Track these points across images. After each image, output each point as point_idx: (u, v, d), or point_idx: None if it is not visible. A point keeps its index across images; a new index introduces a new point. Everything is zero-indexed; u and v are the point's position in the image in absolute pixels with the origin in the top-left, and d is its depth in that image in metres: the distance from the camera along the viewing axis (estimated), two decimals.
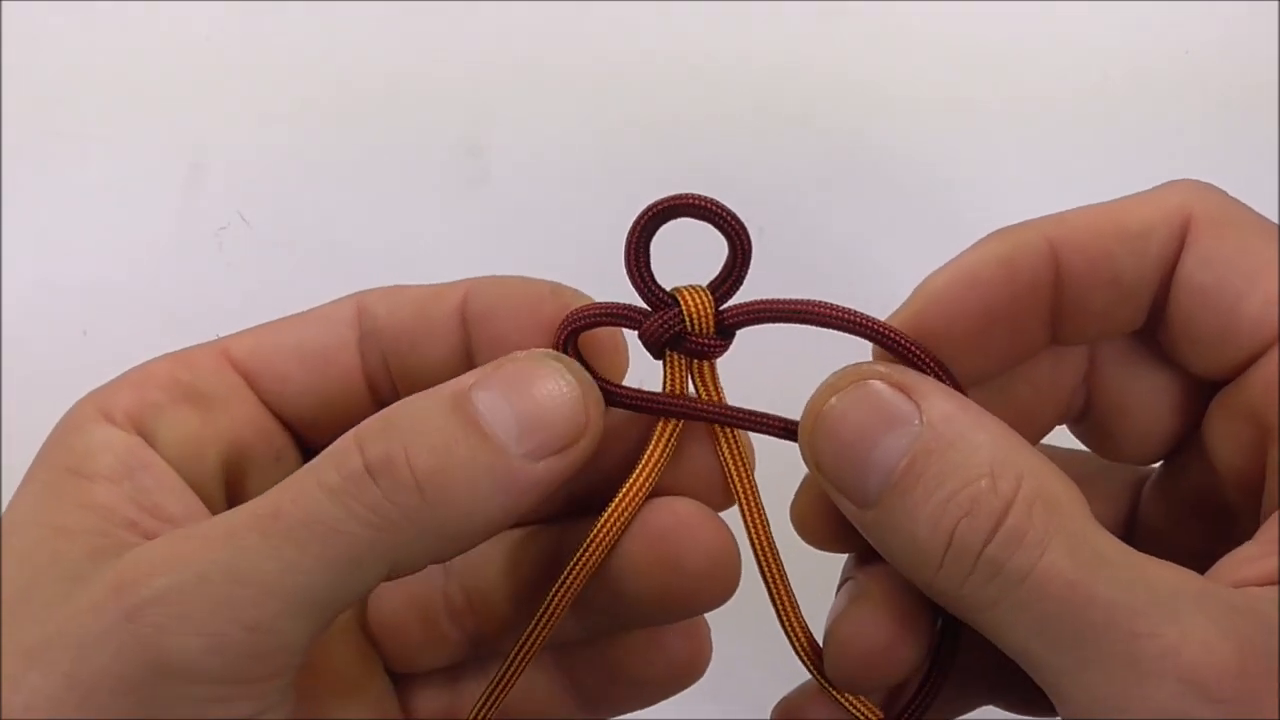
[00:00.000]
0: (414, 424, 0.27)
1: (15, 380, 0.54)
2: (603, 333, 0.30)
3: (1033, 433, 0.31)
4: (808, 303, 0.28)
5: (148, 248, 0.57)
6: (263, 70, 0.59)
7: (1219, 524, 0.28)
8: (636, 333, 0.29)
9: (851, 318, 0.28)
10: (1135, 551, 0.25)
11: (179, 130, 0.58)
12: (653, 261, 0.28)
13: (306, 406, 0.32)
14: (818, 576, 0.32)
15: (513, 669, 0.30)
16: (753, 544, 0.30)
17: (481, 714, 0.31)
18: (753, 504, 0.30)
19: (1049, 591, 0.24)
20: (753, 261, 0.28)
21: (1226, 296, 0.27)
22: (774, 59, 0.59)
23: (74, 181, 0.58)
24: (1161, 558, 0.25)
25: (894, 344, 0.28)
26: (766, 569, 0.30)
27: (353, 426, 0.32)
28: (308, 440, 0.32)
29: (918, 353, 0.28)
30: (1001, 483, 0.25)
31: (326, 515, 0.25)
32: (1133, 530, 0.33)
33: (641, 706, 0.34)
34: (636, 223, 0.27)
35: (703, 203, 0.27)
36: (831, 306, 0.28)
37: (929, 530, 0.25)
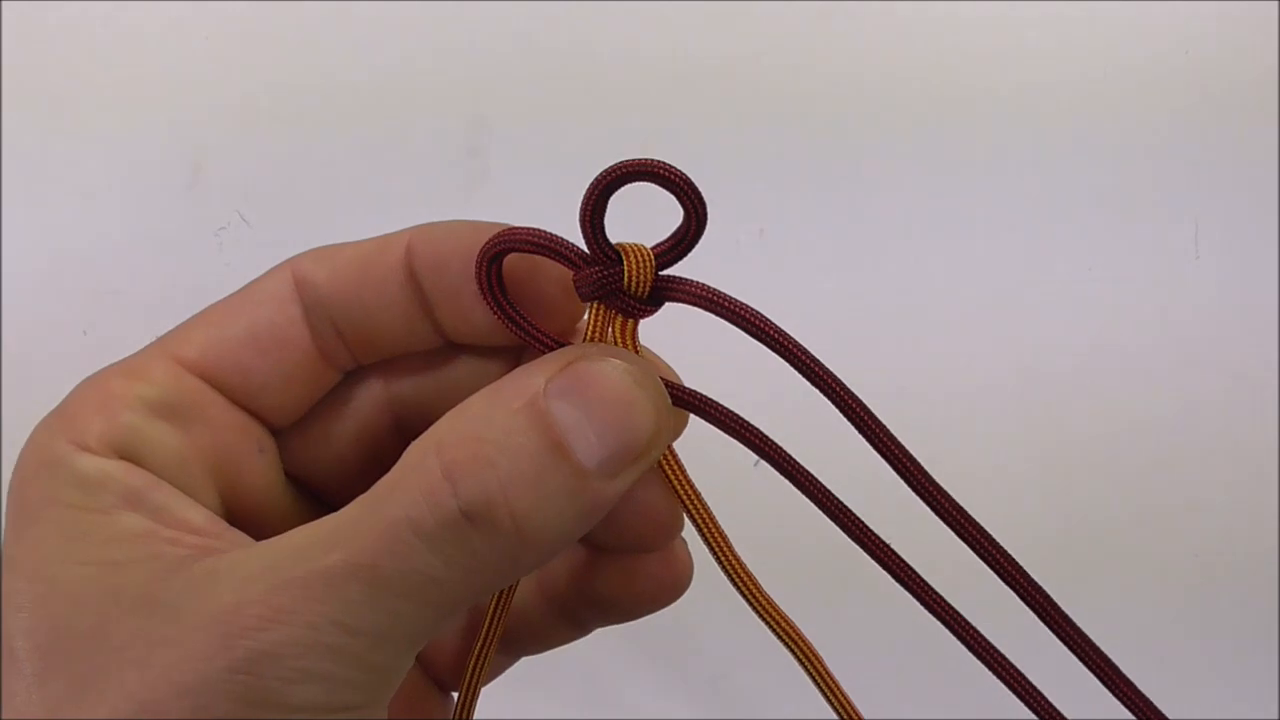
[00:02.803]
0: (503, 451, 0.25)
1: (15, 380, 0.54)
2: (557, 273, 0.30)
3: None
4: (739, 304, 0.28)
5: (148, 248, 0.57)
6: (263, 70, 0.59)
7: None
8: (573, 275, 0.29)
9: (779, 336, 0.28)
10: None
11: (179, 130, 0.58)
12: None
13: (269, 393, 0.31)
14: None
15: (497, 614, 0.31)
16: (708, 545, 0.30)
17: (483, 648, 0.32)
18: (693, 499, 0.30)
19: None
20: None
21: None
22: (775, 59, 0.59)
23: (74, 181, 0.58)
24: None
25: (804, 369, 0.29)
26: (728, 567, 0.30)
27: (311, 395, 0.32)
28: (274, 423, 0.32)
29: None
30: None
31: (426, 565, 0.25)
32: None
33: (626, 620, 0.33)
34: (598, 182, 0.28)
35: (666, 171, 0.27)
36: (760, 317, 0.28)
37: None
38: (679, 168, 0.27)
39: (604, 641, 0.36)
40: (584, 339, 0.29)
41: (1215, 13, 0.59)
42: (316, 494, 0.33)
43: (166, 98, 0.59)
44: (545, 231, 0.29)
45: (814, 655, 0.31)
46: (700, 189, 0.27)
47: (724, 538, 0.30)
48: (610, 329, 0.29)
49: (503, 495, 0.25)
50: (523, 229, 0.29)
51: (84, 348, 0.56)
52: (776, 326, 0.29)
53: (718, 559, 0.30)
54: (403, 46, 0.59)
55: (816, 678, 0.31)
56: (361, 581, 0.25)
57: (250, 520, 0.31)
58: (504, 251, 0.29)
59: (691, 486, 0.30)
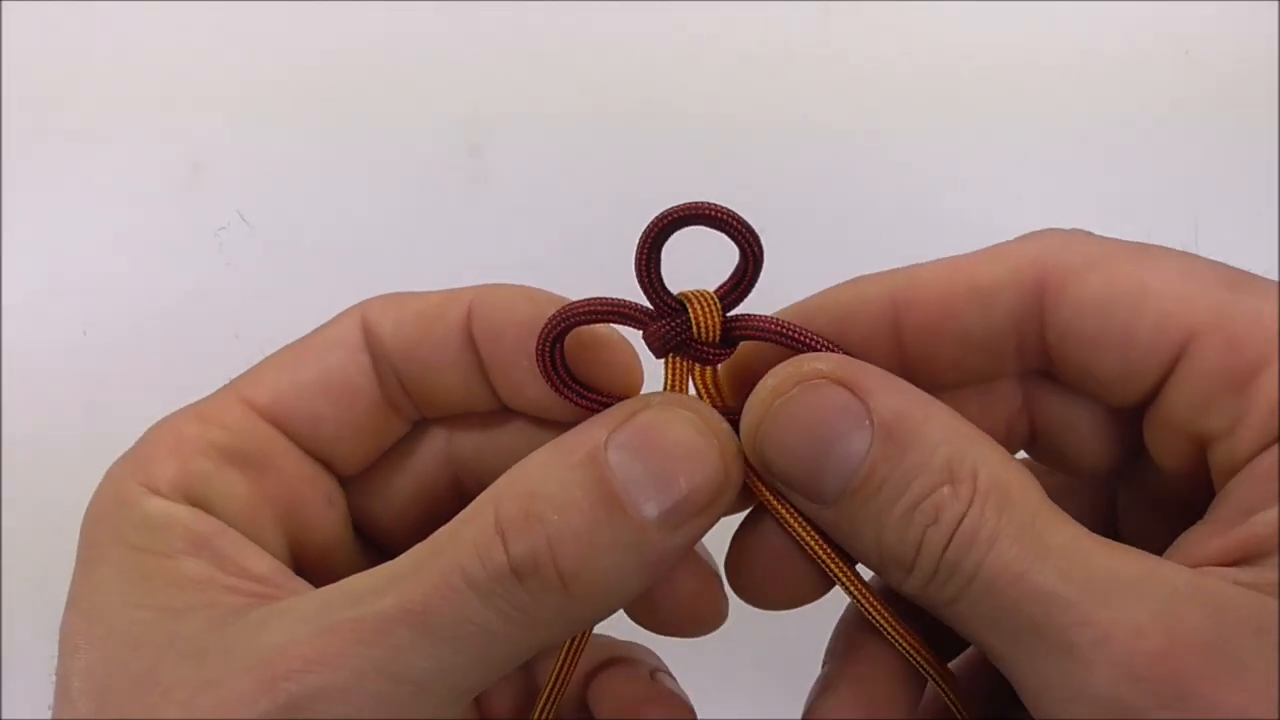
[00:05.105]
0: (555, 506, 0.25)
1: (15, 380, 0.54)
2: (614, 341, 0.29)
3: None
4: (811, 335, 0.28)
5: (148, 247, 0.57)
6: (262, 70, 0.59)
7: (1185, 516, 0.29)
8: (641, 333, 0.29)
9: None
10: (1086, 536, 0.25)
11: (179, 130, 0.58)
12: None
13: (339, 441, 0.31)
14: None
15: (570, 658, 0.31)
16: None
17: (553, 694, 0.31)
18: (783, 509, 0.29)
19: (996, 586, 0.24)
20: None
21: (1115, 335, 0.27)
22: (775, 57, 0.59)
23: (74, 181, 0.58)
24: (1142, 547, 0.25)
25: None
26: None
27: (378, 445, 0.31)
28: (342, 472, 0.32)
29: None
30: (961, 486, 0.25)
31: (477, 616, 0.25)
32: (1115, 527, 0.32)
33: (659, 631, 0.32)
34: (650, 230, 0.27)
35: (717, 212, 0.27)
36: (832, 347, 0.28)
37: (896, 538, 0.25)
38: (728, 207, 0.27)
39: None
40: (663, 388, 0.29)
41: (1215, 13, 0.59)
42: (379, 546, 0.33)
43: (166, 97, 0.59)
44: (603, 298, 0.28)
45: (921, 650, 0.29)
46: (752, 225, 0.27)
47: (829, 550, 0.29)
48: (690, 379, 0.29)
49: (550, 552, 0.25)
50: (579, 302, 0.28)
51: (84, 348, 0.56)
52: (844, 354, 0.28)
53: (829, 569, 0.29)
54: (403, 46, 0.60)
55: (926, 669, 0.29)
56: (411, 627, 0.25)
57: (316, 570, 0.30)
58: (565, 330, 0.28)
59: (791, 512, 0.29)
